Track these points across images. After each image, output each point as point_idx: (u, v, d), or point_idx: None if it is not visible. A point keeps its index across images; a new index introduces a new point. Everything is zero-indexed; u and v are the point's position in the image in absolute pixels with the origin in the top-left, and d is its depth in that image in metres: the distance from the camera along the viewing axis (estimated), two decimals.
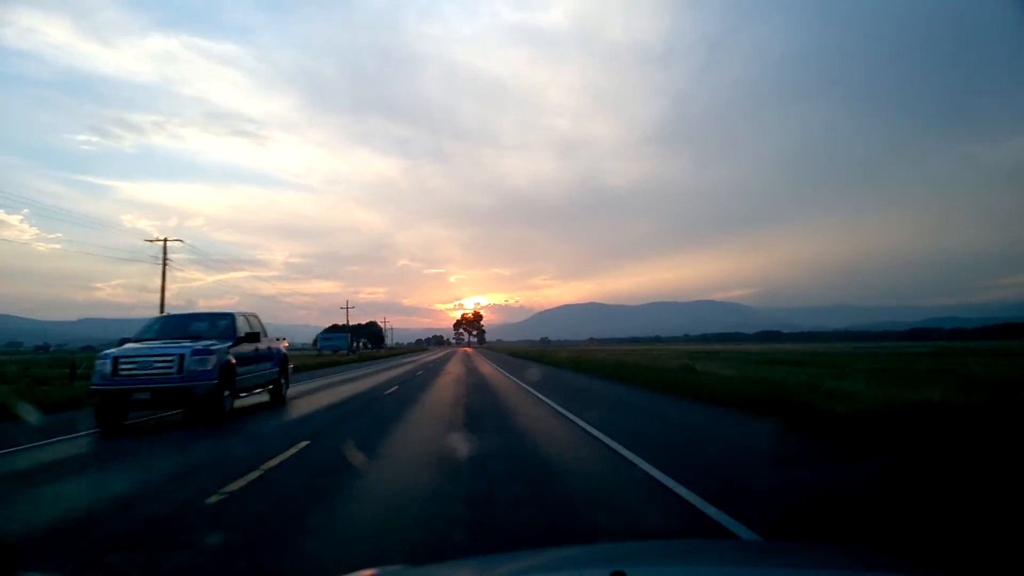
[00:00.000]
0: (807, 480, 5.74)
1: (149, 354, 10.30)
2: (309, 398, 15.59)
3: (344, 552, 3.94)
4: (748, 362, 32.04)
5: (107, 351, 10.44)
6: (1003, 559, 3.34)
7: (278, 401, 13.93)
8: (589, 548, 3.05)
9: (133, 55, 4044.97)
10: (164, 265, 29.05)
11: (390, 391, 17.19)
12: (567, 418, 10.39)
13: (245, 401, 13.03)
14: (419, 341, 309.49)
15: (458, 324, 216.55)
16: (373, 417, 11.49)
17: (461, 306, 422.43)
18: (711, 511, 4.55)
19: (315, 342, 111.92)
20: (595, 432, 8.57)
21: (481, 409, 12.32)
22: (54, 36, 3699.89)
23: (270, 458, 6.95)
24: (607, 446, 7.52)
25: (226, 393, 10.76)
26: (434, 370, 29.76)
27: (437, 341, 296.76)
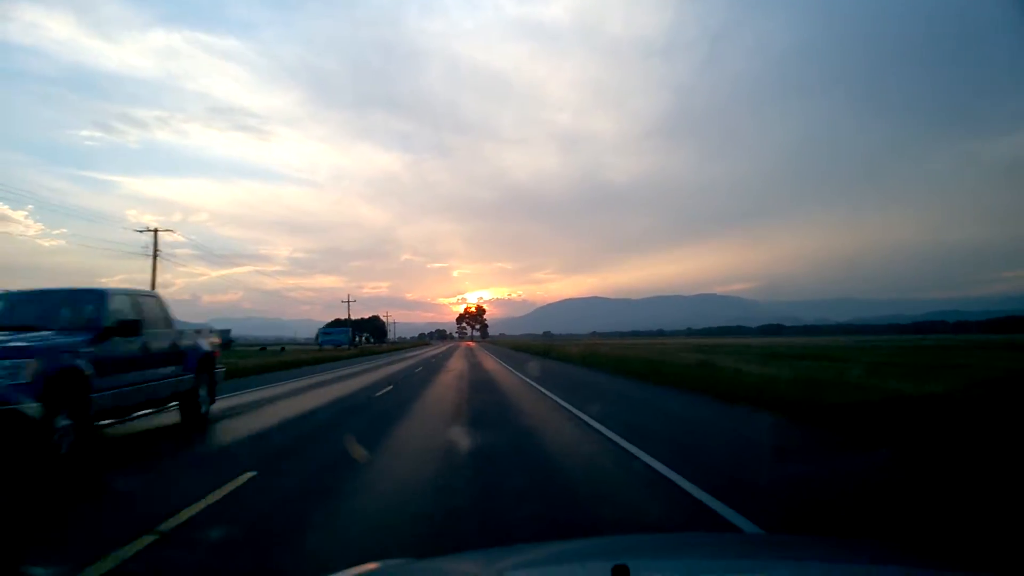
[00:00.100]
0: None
1: None
2: (263, 412, 11.48)
3: None
4: (764, 355, 31.09)
5: None
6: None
7: (195, 422, 9.57)
8: (591, 541, 2.97)
9: (136, 50, 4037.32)
10: (155, 256, 28.95)
11: (381, 393, 14.94)
12: (607, 439, 7.68)
13: (136, 425, 8.90)
14: (422, 335, 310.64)
15: (461, 318, 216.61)
16: (345, 438, 7.88)
17: (464, 300, 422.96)
18: None
19: (317, 336, 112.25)
20: (654, 463, 6.07)
21: (490, 420, 9.89)
22: (57, 32, 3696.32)
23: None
24: (677, 487, 5.21)
25: (64, 422, 6.35)
26: (435, 366, 27.86)
27: (440, 335, 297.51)
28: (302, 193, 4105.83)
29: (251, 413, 11.44)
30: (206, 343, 10.35)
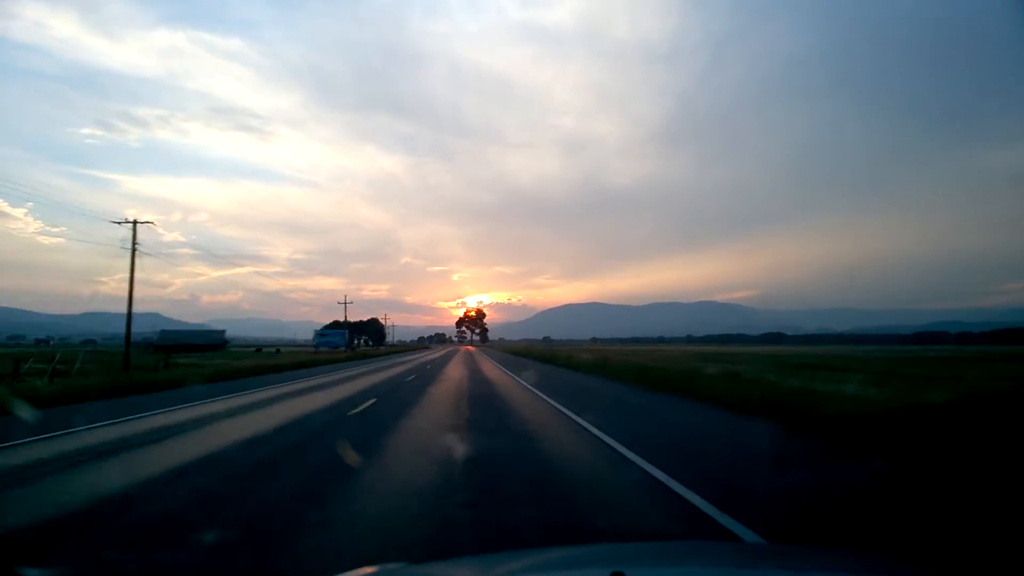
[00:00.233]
0: None
1: None
2: (184, 442, 8.35)
3: None
4: (787, 366, 29.01)
5: None
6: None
7: None
8: (589, 548, 2.95)
9: (139, 49, 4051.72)
10: (133, 250, 27.37)
11: (356, 411, 11.79)
12: (671, 493, 5.25)
13: None
14: (421, 339, 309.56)
15: (460, 322, 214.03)
16: (279, 497, 5.26)
17: (464, 304, 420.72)
18: None
19: (314, 338, 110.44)
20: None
21: (501, 464, 6.70)
22: (61, 30, 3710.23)
23: None
24: None
25: None
26: (430, 374, 24.63)
27: (439, 339, 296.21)
28: (303, 194, 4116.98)
29: (171, 441, 8.34)
30: None
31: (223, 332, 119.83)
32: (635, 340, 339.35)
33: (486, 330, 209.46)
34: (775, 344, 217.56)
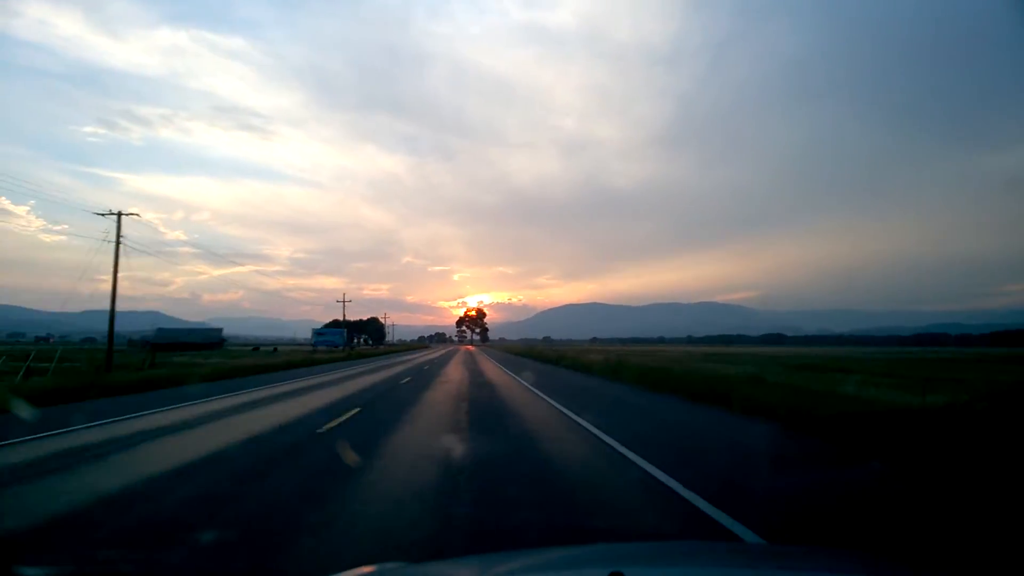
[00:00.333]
0: None
1: None
2: (98, 470, 6.34)
3: None
4: (790, 368, 28.26)
5: None
6: None
7: None
8: (588, 548, 2.87)
9: (142, 48, 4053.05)
10: (117, 243, 25.95)
11: (334, 424, 9.55)
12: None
13: None
14: (421, 338, 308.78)
15: (461, 322, 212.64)
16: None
17: (464, 304, 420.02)
18: None
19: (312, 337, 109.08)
20: None
21: (522, 528, 4.28)
22: (64, 28, 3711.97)
23: None
24: None
25: None
26: (428, 376, 22.36)
27: (440, 338, 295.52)
28: (304, 193, 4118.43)
29: (81, 469, 6.38)
30: None
31: (220, 331, 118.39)
32: (635, 340, 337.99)
33: (486, 330, 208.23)
34: (776, 345, 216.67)
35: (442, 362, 37.75)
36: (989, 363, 41.98)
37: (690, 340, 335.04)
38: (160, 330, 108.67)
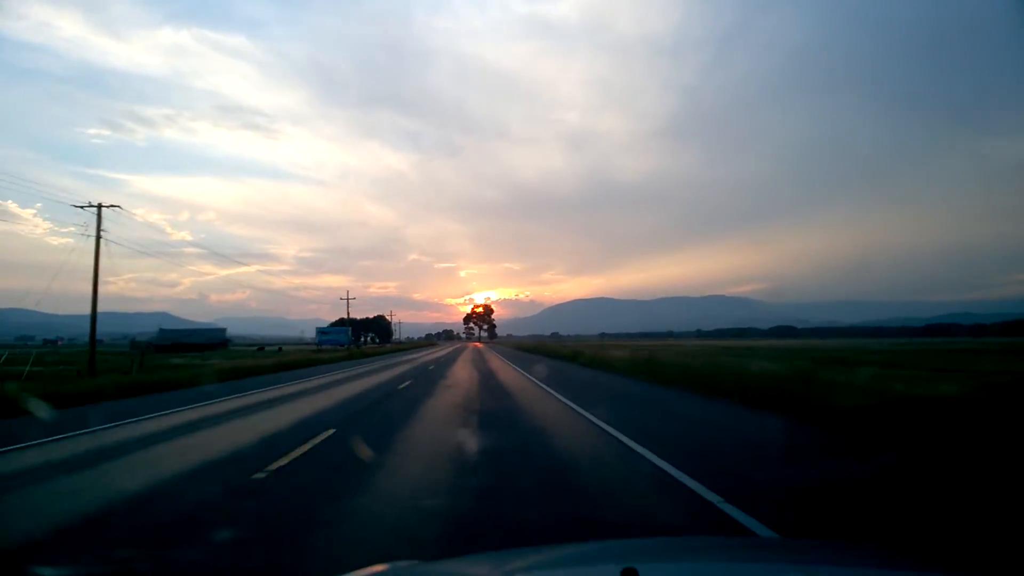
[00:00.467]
0: None
1: None
2: None
3: None
4: (821, 362, 25.75)
5: None
6: None
7: None
8: (600, 544, 2.77)
9: (145, 48, 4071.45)
10: (98, 237, 24.53)
11: (283, 463, 6.37)
12: None
13: None
14: (429, 336, 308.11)
15: (468, 318, 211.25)
16: None
17: (471, 301, 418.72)
18: None
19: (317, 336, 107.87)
20: None
21: None
22: (67, 30, 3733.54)
23: None
24: None
25: None
26: (432, 378, 20.19)
27: (447, 335, 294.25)
28: (309, 192, 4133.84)
29: None
30: None
31: (224, 331, 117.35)
32: (644, 335, 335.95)
33: (494, 326, 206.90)
34: (787, 338, 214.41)
35: (448, 361, 35.51)
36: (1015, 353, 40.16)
37: (699, 334, 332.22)
38: (162, 331, 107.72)
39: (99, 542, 4.11)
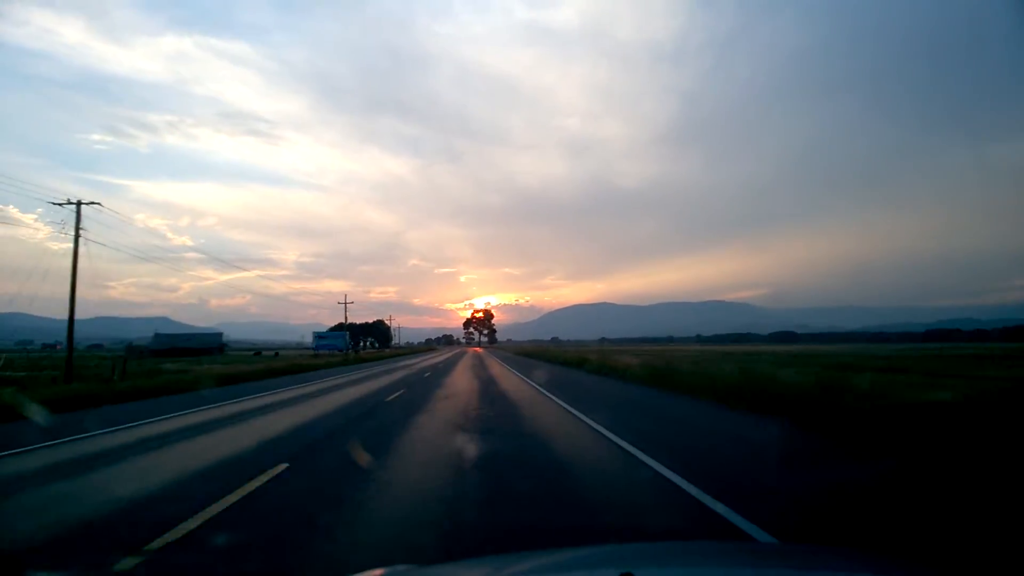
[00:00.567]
0: None
1: None
2: None
3: None
4: (828, 367, 24.76)
5: None
6: None
7: None
8: (599, 549, 2.77)
9: (147, 55, 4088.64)
10: (76, 236, 23.66)
11: (199, 522, 4.32)
12: None
13: None
14: (428, 340, 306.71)
15: (468, 323, 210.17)
16: None
17: (471, 305, 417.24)
18: None
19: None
20: None
21: None
22: (69, 36, 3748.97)
23: None
24: None
25: None
26: (427, 387, 18.57)
27: (447, 340, 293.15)
28: (310, 197, 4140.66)
29: None
30: None
31: (220, 335, 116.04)
32: (644, 340, 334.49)
33: (494, 331, 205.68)
34: (788, 343, 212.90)
35: (447, 368, 33.54)
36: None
37: (699, 339, 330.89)
38: (157, 335, 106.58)
39: None
